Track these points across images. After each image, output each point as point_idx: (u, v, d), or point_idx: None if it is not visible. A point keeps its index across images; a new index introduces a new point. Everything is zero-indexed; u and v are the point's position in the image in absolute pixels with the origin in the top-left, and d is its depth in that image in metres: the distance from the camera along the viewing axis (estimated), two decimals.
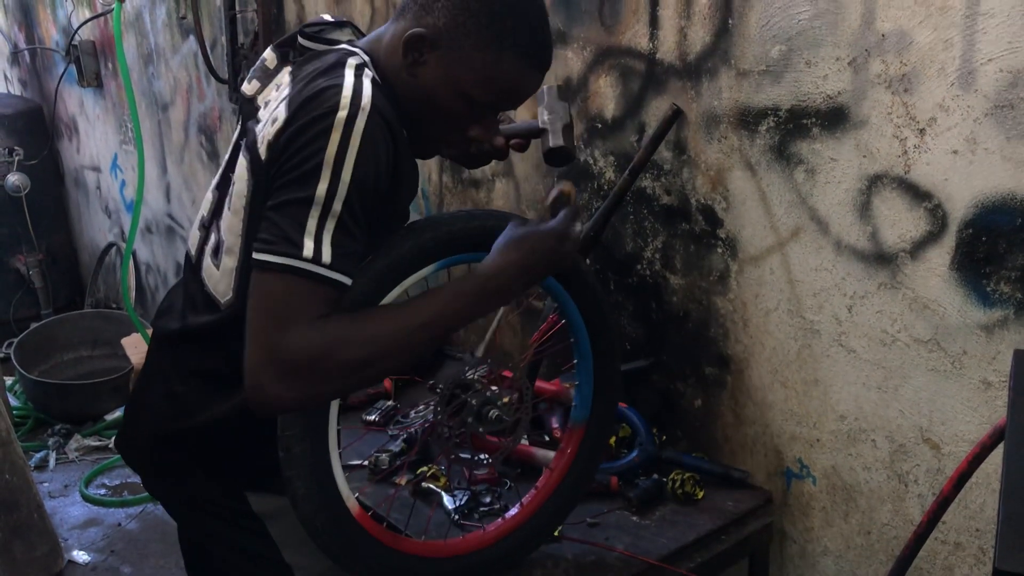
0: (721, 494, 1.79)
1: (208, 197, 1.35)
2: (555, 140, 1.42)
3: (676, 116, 1.81)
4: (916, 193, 1.49)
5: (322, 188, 1.08)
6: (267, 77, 1.30)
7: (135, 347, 3.98)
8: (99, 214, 5.15)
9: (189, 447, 1.33)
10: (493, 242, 1.26)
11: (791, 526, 1.83)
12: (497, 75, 1.21)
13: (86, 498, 3.34)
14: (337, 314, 1.11)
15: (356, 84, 1.12)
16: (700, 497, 1.76)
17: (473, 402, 1.41)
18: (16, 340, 4.11)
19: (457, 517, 1.66)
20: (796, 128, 1.63)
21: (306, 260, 1.08)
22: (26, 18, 5.31)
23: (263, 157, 1.16)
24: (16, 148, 4.86)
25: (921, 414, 1.56)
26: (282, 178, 1.11)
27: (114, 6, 3.34)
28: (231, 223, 1.24)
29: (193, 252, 1.36)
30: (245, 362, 1.07)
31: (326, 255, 1.08)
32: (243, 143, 1.23)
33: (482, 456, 1.54)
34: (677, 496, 1.75)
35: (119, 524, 3.19)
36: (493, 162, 1.50)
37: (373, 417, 2.07)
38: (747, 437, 1.87)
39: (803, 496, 1.79)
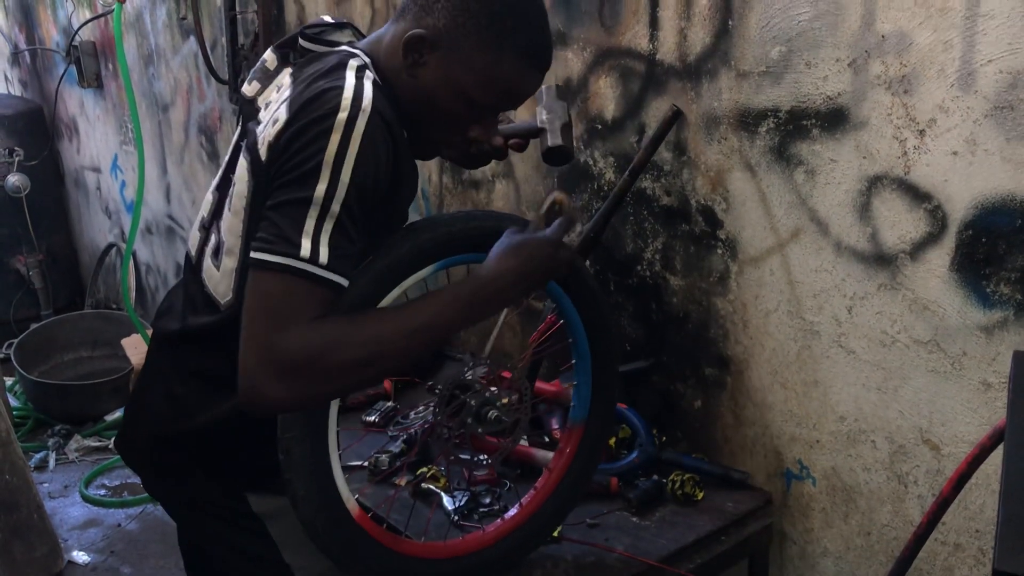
0: (721, 495, 1.78)
1: (208, 198, 1.35)
2: (553, 139, 1.42)
3: (676, 117, 1.81)
4: (916, 194, 1.49)
5: (321, 189, 1.08)
6: (267, 78, 1.30)
7: (135, 348, 3.99)
8: (99, 215, 5.15)
9: (189, 448, 1.33)
10: (492, 243, 1.26)
11: (791, 527, 1.83)
12: (497, 76, 1.21)
13: (86, 499, 3.34)
14: (334, 315, 1.11)
15: (357, 86, 1.12)
16: (700, 498, 1.76)
17: (472, 403, 1.41)
18: (16, 341, 4.11)
19: (457, 518, 1.66)
20: (796, 129, 1.63)
21: (303, 260, 1.08)
22: (27, 19, 5.31)
23: (263, 158, 1.16)
24: (16, 149, 4.86)
25: (921, 415, 1.56)
26: (281, 178, 1.12)
27: (115, 7, 3.35)
28: (231, 224, 1.24)
29: (193, 253, 1.36)
30: (239, 361, 1.07)
31: (323, 256, 1.08)
32: (243, 144, 1.23)
33: (481, 457, 1.54)
34: (677, 497, 1.75)
35: (119, 525, 3.20)
36: (493, 163, 1.50)
37: (373, 418, 2.07)
38: (747, 438, 1.87)
39: (803, 497, 1.79)
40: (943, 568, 1.58)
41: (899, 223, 1.52)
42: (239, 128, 1.34)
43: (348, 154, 1.09)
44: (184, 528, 1.51)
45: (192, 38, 3.57)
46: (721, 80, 1.73)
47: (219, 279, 1.27)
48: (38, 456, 3.64)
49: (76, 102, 5.00)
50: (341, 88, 1.12)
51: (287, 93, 1.19)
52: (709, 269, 1.86)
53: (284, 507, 1.29)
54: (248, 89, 1.32)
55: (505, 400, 1.43)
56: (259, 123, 1.21)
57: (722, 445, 1.92)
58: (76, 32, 4.51)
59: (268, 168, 1.15)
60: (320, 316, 1.09)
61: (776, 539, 1.84)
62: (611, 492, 1.76)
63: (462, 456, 1.52)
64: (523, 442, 1.81)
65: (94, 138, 4.92)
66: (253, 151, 1.18)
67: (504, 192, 2.35)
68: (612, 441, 1.88)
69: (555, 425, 1.90)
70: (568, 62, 2.04)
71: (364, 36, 1.34)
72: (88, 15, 4.46)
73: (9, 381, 4.05)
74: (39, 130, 5.16)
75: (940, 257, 1.48)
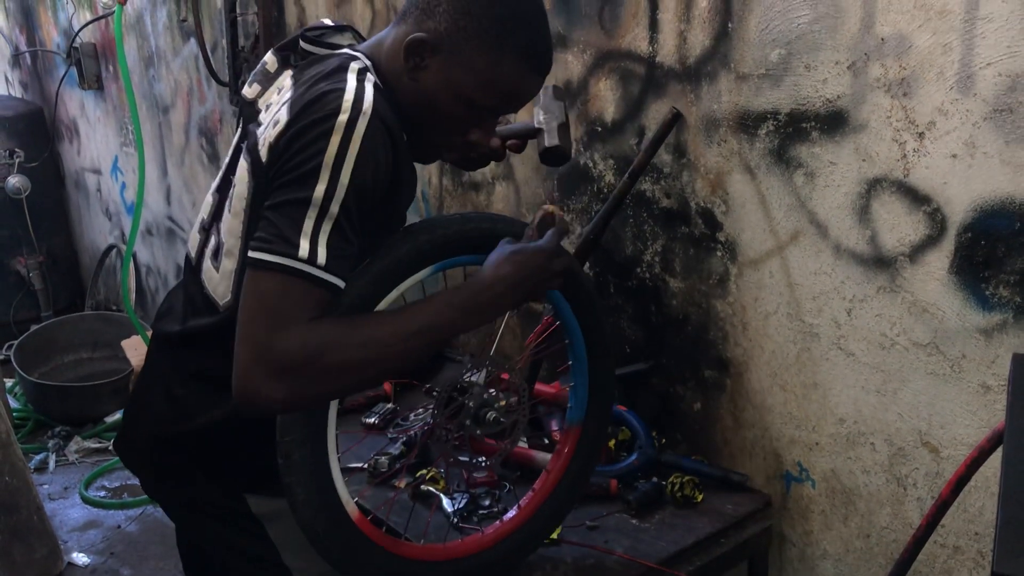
0: (720, 497, 1.78)
1: (208, 200, 1.36)
2: (551, 140, 1.43)
3: (676, 119, 1.81)
4: (915, 197, 1.49)
5: (320, 190, 1.08)
6: (268, 80, 1.31)
7: (135, 349, 3.99)
8: (99, 216, 5.15)
9: (189, 449, 1.33)
10: (488, 244, 1.27)
11: (790, 529, 1.83)
12: (498, 79, 1.21)
13: (86, 500, 3.34)
14: (331, 317, 1.11)
15: (358, 88, 1.13)
16: (699, 500, 1.76)
17: (470, 404, 1.41)
18: (16, 342, 4.11)
19: (456, 520, 1.66)
20: (795, 132, 1.63)
21: (301, 260, 1.08)
22: (27, 20, 5.32)
23: (264, 159, 1.16)
24: (17, 150, 4.86)
25: (920, 418, 1.56)
26: (281, 179, 1.12)
27: (115, 9, 3.35)
28: (231, 225, 1.24)
29: (193, 255, 1.36)
30: (235, 360, 1.07)
31: (321, 256, 1.09)
32: (244, 146, 1.23)
33: (480, 459, 1.55)
34: (676, 499, 1.75)
35: (119, 526, 3.19)
36: (493, 165, 1.50)
37: (372, 420, 2.07)
38: (746, 440, 1.87)
39: (802, 499, 1.79)
40: (942, 571, 1.58)
41: (898, 226, 1.52)
42: (239, 130, 1.35)
43: (348, 156, 1.09)
44: (183, 529, 1.51)
45: (192, 40, 3.57)
46: (721, 83, 1.74)
47: (219, 280, 1.27)
48: (38, 458, 3.64)
49: (77, 104, 5.00)
50: (342, 90, 1.12)
51: (288, 95, 1.19)
52: (709, 271, 1.86)
53: (283, 509, 1.29)
54: (248, 91, 1.33)
55: (503, 402, 1.43)
56: (259, 125, 1.22)
57: (721, 447, 1.92)
58: (77, 34, 4.51)
59: (268, 169, 1.15)
60: (318, 317, 1.09)
61: (775, 541, 1.84)
62: (610, 494, 1.76)
63: (461, 458, 1.52)
64: (524, 444, 1.82)
65: (94, 140, 4.92)
66: (254, 152, 1.19)
67: (504, 194, 2.35)
68: (612, 443, 1.88)
69: (555, 427, 1.90)
70: (568, 64, 2.05)
71: (364, 39, 1.35)
72: (89, 17, 4.47)
73: (9, 383, 4.05)
74: (40, 132, 5.16)
75: (939, 260, 1.48)
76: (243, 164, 1.22)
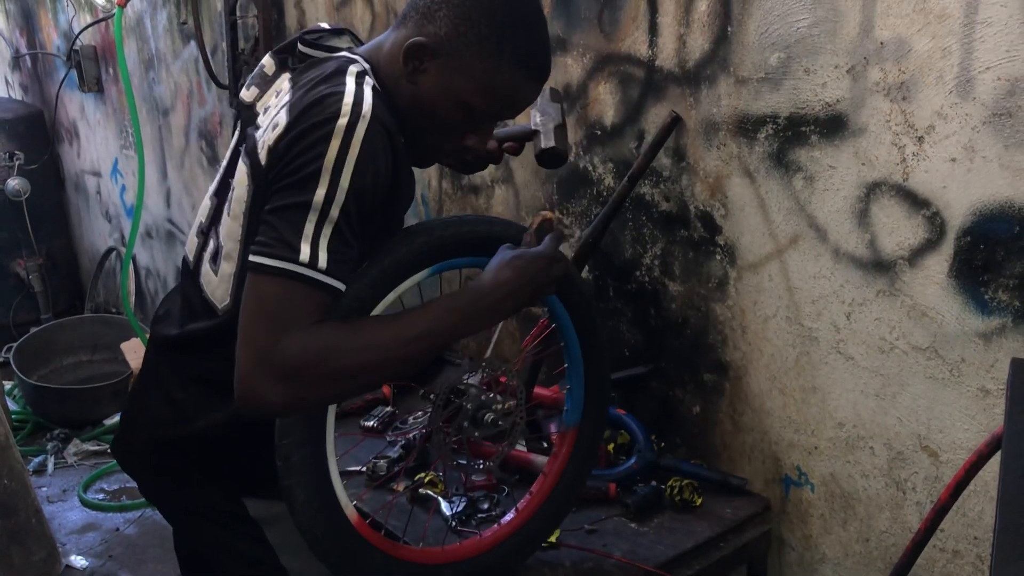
0: (719, 501, 1.78)
1: (206, 203, 1.36)
2: (547, 141, 1.43)
3: (675, 123, 1.82)
4: (914, 201, 1.49)
5: (320, 193, 1.09)
6: (266, 83, 1.31)
7: (134, 352, 3.98)
8: (99, 219, 5.15)
9: (188, 452, 1.33)
10: (485, 247, 1.27)
11: (789, 533, 1.83)
12: (497, 84, 1.22)
13: (84, 503, 3.34)
14: (332, 321, 1.11)
15: (357, 92, 1.13)
16: (698, 504, 1.76)
17: (468, 407, 1.41)
18: (15, 344, 4.11)
19: (454, 523, 1.65)
20: (795, 135, 1.63)
21: (302, 264, 1.08)
22: (27, 23, 5.32)
23: (263, 162, 1.16)
24: (17, 152, 4.87)
25: (919, 422, 1.56)
26: (281, 182, 1.12)
27: (115, 11, 3.35)
28: (230, 229, 1.24)
29: (191, 258, 1.36)
30: (236, 363, 1.08)
31: (322, 260, 1.09)
32: (242, 149, 1.23)
33: (478, 462, 1.55)
34: (675, 503, 1.75)
35: (117, 529, 3.19)
36: (492, 168, 1.50)
37: (371, 423, 2.07)
38: (745, 444, 1.87)
39: (801, 503, 1.79)
40: (941, 575, 1.58)
41: (898, 229, 1.52)
42: (237, 133, 1.35)
43: (348, 159, 1.09)
44: (181, 532, 1.51)
45: (192, 43, 3.58)
46: (720, 86, 1.74)
47: (217, 284, 1.27)
48: (37, 460, 3.63)
49: (76, 106, 5.01)
50: (342, 94, 1.12)
51: (287, 98, 1.19)
52: (708, 275, 1.86)
53: (282, 512, 1.29)
54: (246, 94, 1.33)
55: (501, 404, 1.43)
56: (258, 128, 1.22)
57: (720, 451, 1.92)
58: (77, 36, 4.52)
59: (268, 172, 1.15)
60: (318, 320, 1.10)
61: (774, 545, 1.84)
62: (609, 498, 1.76)
63: (460, 461, 1.52)
64: (522, 447, 1.82)
65: (94, 142, 4.93)
66: (253, 156, 1.19)
67: (503, 197, 2.35)
68: (611, 447, 1.88)
69: (554, 430, 1.90)
70: (568, 68, 2.05)
71: (362, 43, 1.35)
72: (89, 19, 4.47)
73: (8, 385, 4.05)
74: (39, 134, 5.16)
75: (938, 264, 1.48)
76: (242, 167, 1.22)
